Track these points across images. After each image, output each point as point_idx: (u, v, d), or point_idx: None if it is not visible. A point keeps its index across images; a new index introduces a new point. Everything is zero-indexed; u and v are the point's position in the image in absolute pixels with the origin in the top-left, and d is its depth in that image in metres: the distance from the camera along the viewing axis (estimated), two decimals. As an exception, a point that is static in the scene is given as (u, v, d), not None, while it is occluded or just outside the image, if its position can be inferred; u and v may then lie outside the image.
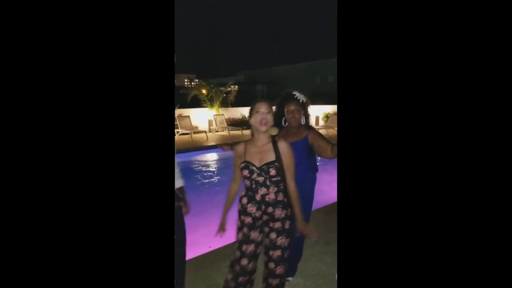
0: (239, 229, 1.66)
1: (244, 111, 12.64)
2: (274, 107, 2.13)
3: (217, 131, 11.43)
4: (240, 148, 1.65)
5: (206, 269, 2.38)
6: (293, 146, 1.95)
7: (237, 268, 1.64)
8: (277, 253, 1.58)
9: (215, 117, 11.19)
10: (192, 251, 2.40)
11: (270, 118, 1.56)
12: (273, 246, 1.59)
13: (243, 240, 1.63)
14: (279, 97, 2.16)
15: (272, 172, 1.54)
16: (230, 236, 3.02)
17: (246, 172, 1.59)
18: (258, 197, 1.58)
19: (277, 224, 1.58)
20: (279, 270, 1.60)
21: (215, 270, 2.39)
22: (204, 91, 11.85)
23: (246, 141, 1.66)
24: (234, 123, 11.97)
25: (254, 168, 1.57)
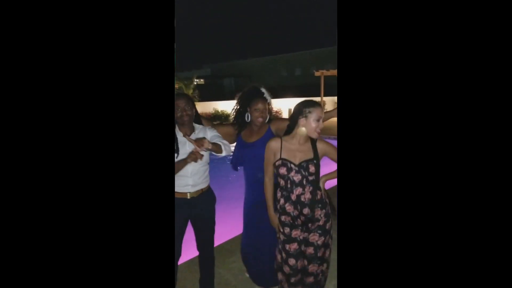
0: (279, 230, 1.64)
1: (216, 105, 12.49)
2: (236, 101, 2.06)
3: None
4: (276, 145, 1.59)
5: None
6: (258, 144, 1.90)
7: (287, 269, 1.62)
8: (309, 250, 1.58)
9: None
10: (191, 251, 2.31)
11: (322, 125, 1.54)
12: (306, 242, 1.59)
13: (286, 240, 1.61)
14: (243, 91, 2.07)
15: (312, 169, 1.52)
16: (227, 232, 3.00)
17: (283, 170, 1.55)
18: (293, 197, 1.56)
19: (314, 225, 1.57)
20: (312, 268, 1.59)
21: (222, 267, 2.35)
22: (175, 85, 11.53)
23: (280, 138, 1.62)
24: (207, 118, 11.80)
25: (292, 165, 1.55)
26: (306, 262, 1.61)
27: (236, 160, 2.11)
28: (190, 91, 11.65)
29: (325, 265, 1.62)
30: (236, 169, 2.15)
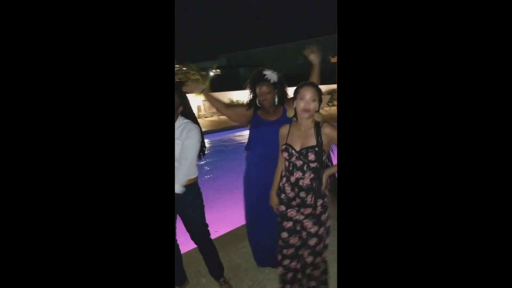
0: (276, 208, 1.75)
1: (232, 95, 12.56)
2: (248, 87, 2.08)
3: (206, 117, 11.34)
4: (284, 130, 1.69)
5: (224, 250, 2.44)
6: (276, 125, 1.93)
7: (280, 241, 1.73)
8: (303, 234, 1.65)
9: (203, 102, 11.08)
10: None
11: (314, 106, 1.55)
12: (301, 225, 1.66)
13: (282, 217, 1.71)
14: (251, 76, 2.09)
15: (311, 156, 1.56)
16: (240, 219, 3.10)
17: (285, 155, 1.63)
18: (292, 179, 1.62)
19: (307, 210, 1.62)
20: (303, 252, 1.66)
21: (234, 251, 2.46)
22: (191, 76, 11.64)
23: (290, 124, 1.68)
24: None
25: (293, 151, 1.61)
26: (299, 242, 1.69)
27: (251, 140, 2.13)
28: (206, 83, 11.73)
29: (318, 258, 1.67)
30: (249, 150, 2.17)
